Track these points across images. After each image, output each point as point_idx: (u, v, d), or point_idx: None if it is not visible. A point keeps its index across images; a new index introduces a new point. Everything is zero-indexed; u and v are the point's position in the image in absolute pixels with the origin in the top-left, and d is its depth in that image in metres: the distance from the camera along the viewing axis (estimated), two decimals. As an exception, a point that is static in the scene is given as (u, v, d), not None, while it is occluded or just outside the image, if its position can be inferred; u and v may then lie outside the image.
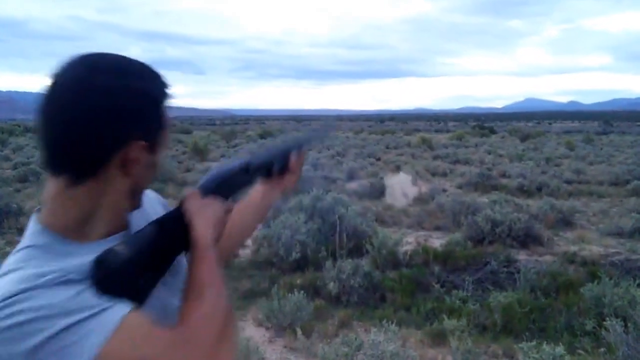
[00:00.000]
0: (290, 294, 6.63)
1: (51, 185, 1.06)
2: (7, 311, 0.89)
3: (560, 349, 3.93)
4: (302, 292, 6.67)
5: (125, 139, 1.04)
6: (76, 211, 1.06)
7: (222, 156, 28.27)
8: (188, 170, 22.25)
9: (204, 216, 1.21)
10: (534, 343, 4.17)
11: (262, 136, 47.35)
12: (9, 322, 0.88)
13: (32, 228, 1.07)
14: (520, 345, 4.36)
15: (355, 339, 4.68)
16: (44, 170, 1.07)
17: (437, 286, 7.70)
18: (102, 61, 1.04)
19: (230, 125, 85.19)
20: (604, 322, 4.85)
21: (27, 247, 1.03)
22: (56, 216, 1.06)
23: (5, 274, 0.97)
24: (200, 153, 27.52)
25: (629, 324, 4.65)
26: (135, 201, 1.17)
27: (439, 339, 5.95)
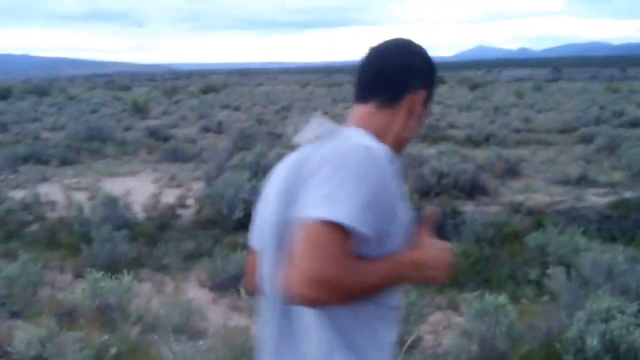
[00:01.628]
0: (233, 254, 6.39)
1: (359, 110, 1.54)
2: (387, 155, 1.36)
3: (502, 298, 3.83)
4: (243, 251, 6.42)
5: (418, 87, 1.54)
6: (376, 128, 1.49)
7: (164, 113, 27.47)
8: (128, 129, 21.41)
9: (435, 255, 1.41)
10: (477, 293, 4.06)
11: (205, 91, 46.20)
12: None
13: (348, 128, 1.48)
14: (463, 295, 4.25)
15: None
16: (356, 102, 1.57)
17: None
18: (411, 41, 1.62)
19: (172, 81, 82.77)
20: (548, 271, 4.78)
21: (358, 130, 1.47)
22: (366, 128, 1.48)
23: (351, 133, 1.43)
24: (140, 111, 26.60)
25: (572, 272, 4.59)
26: (399, 148, 1.55)
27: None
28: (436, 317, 5.22)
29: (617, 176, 10.79)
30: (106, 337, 4.02)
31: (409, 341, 3.45)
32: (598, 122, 18.97)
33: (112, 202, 8.62)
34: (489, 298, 3.89)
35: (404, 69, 1.54)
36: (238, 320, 5.02)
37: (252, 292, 1.64)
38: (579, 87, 43.57)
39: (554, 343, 3.54)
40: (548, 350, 3.51)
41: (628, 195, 8.30)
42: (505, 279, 6.27)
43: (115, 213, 8.45)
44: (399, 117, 1.52)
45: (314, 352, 1.36)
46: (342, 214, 1.23)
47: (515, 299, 5.48)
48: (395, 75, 1.53)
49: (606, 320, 3.31)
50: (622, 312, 3.36)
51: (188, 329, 4.63)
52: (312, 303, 1.26)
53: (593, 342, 3.21)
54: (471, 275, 6.41)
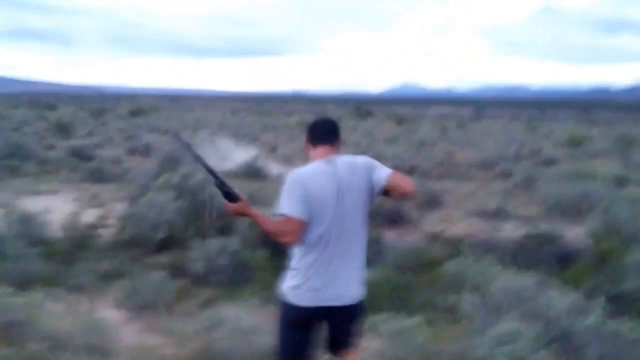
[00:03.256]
0: (152, 274, 6.23)
1: (326, 149, 3.05)
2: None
3: (416, 320, 3.93)
4: (163, 271, 6.28)
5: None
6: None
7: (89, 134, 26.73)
8: (50, 147, 20.66)
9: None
10: (391, 315, 4.14)
11: (133, 114, 45.18)
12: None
13: (338, 155, 3.01)
14: (379, 317, 4.33)
15: (215, 315, 4.42)
16: (327, 144, 3.10)
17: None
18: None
19: (99, 102, 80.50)
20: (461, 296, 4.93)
21: (350, 154, 3.09)
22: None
23: (350, 156, 3.05)
24: (64, 130, 25.73)
25: (484, 297, 4.75)
26: None
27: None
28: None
29: (532, 210, 11.33)
30: (8, 352, 3.81)
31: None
32: (516, 158, 19.90)
33: (28, 219, 8.28)
34: (404, 320, 3.98)
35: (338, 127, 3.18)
36: (152, 340, 4.88)
37: (293, 243, 2.94)
38: (500, 126, 45.56)
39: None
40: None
41: (541, 227, 8.70)
42: (423, 304, 6.39)
43: (31, 230, 8.12)
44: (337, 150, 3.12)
45: (358, 264, 3.03)
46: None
47: (431, 323, 5.63)
48: (337, 130, 3.16)
49: (512, 342, 3.46)
50: (527, 334, 3.52)
51: (99, 347, 4.45)
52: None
53: (497, 362, 3.35)
54: (390, 300, 6.51)
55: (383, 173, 2.95)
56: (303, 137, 3.24)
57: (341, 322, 3.04)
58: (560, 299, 4.06)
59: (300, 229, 2.85)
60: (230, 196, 3.01)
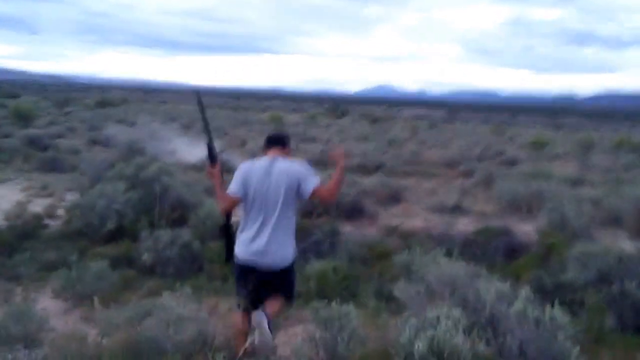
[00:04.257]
0: (91, 264, 6.11)
1: (276, 150, 4.02)
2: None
3: (347, 307, 3.94)
4: (104, 261, 6.19)
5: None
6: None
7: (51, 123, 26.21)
8: (6, 136, 20.12)
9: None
10: (325, 302, 4.13)
11: (101, 105, 44.42)
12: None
13: (282, 159, 3.96)
14: (311, 305, 4.32)
15: (147, 305, 4.34)
16: (276, 148, 4.07)
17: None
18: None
19: (66, 92, 78.63)
20: (398, 285, 4.95)
21: (290, 160, 4.00)
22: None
23: (291, 163, 3.95)
24: (23, 119, 25.07)
25: (421, 286, 4.77)
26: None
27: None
28: (296, 329, 5.26)
29: (489, 207, 11.46)
30: None
31: (242, 350, 3.47)
32: (480, 159, 20.13)
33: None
34: (335, 307, 3.97)
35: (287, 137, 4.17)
36: (85, 330, 4.77)
37: (226, 213, 3.99)
38: (470, 129, 46.05)
39: (388, 348, 3.66)
40: (381, 354, 3.62)
41: (493, 223, 8.81)
42: (371, 294, 6.41)
43: (-29, 219, 7.91)
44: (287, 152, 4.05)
45: (278, 239, 3.79)
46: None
47: (377, 311, 5.66)
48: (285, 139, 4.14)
49: (434, 327, 3.48)
50: (451, 320, 3.53)
51: (27, 337, 4.34)
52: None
53: (420, 346, 3.35)
54: (339, 290, 6.51)
55: (310, 185, 3.81)
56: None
57: (271, 282, 3.89)
58: (489, 288, 4.09)
59: (231, 202, 3.88)
60: (212, 159, 3.92)
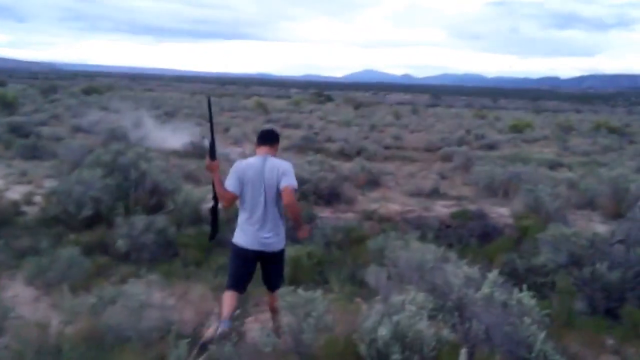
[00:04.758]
0: (62, 251, 6.04)
1: (266, 148, 4.51)
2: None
3: (313, 293, 3.93)
4: (75, 248, 6.11)
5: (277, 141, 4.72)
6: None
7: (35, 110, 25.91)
8: (-11, 124, 19.81)
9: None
10: (291, 288, 4.12)
11: (86, 92, 43.84)
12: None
13: (272, 158, 4.47)
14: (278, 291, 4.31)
15: (112, 292, 4.31)
16: (266, 145, 4.58)
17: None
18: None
19: (54, 79, 77.60)
20: (368, 269, 4.96)
21: (279, 159, 4.50)
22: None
23: (280, 161, 4.47)
24: (7, 106, 24.73)
25: (390, 270, 4.79)
26: None
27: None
28: (267, 315, 5.26)
29: (466, 190, 11.52)
30: None
31: (206, 334, 3.46)
32: (460, 143, 20.20)
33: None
34: (301, 292, 3.97)
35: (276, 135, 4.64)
36: (53, 318, 4.73)
37: (227, 207, 4.59)
38: (453, 113, 46.19)
39: (353, 334, 3.66)
40: (346, 340, 3.62)
41: (469, 207, 8.84)
42: (344, 279, 6.42)
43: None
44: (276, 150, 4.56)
45: (271, 226, 4.35)
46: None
47: (348, 298, 5.65)
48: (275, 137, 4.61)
49: (399, 312, 3.48)
50: (415, 305, 3.53)
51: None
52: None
53: (383, 332, 3.35)
54: (313, 275, 6.52)
55: (284, 183, 4.30)
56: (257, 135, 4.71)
57: (264, 263, 4.50)
58: (457, 272, 4.09)
59: (232, 198, 4.42)
60: (212, 155, 4.42)
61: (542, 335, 3.70)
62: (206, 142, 4.58)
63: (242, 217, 4.45)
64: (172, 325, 3.81)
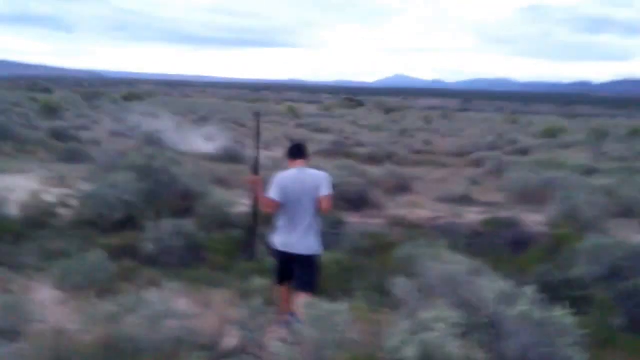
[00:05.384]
0: (88, 254, 6.04)
1: (301, 161, 5.00)
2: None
3: (339, 305, 3.78)
4: (102, 251, 6.11)
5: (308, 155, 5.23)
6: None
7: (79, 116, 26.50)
8: (34, 128, 20.25)
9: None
10: (313, 300, 4.00)
11: (127, 98, 44.67)
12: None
13: (308, 169, 5.00)
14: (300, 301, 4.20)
15: (131, 298, 4.22)
16: (299, 159, 5.06)
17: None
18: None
19: (98, 87, 79.30)
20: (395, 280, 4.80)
21: (315, 169, 5.08)
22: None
23: (316, 172, 5.03)
24: (52, 112, 25.36)
25: (421, 283, 4.62)
26: None
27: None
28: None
29: (498, 197, 11.25)
30: None
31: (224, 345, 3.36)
32: (492, 148, 19.85)
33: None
34: (324, 305, 3.83)
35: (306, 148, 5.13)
36: (74, 323, 4.69)
37: (270, 213, 5.00)
38: (484, 117, 45.57)
39: (377, 351, 3.51)
40: (370, 358, 3.47)
41: (501, 214, 8.61)
42: (370, 287, 6.27)
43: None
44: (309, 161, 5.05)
45: (309, 231, 4.91)
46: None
47: (376, 306, 5.51)
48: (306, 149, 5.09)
49: (428, 330, 3.29)
50: (445, 323, 3.34)
51: (12, 330, 4.26)
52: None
53: (409, 353, 3.18)
54: (339, 282, 6.39)
55: (322, 193, 4.81)
56: (287, 150, 5.19)
57: (298, 266, 4.92)
58: (491, 286, 3.89)
59: (276, 206, 4.89)
60: (256, 171, 5.00)
61: (584, 358, 3.47)
62: (252, 155, 5.12)
63: (280, 223, 4.98)
64: (191, 336, 3.72)
